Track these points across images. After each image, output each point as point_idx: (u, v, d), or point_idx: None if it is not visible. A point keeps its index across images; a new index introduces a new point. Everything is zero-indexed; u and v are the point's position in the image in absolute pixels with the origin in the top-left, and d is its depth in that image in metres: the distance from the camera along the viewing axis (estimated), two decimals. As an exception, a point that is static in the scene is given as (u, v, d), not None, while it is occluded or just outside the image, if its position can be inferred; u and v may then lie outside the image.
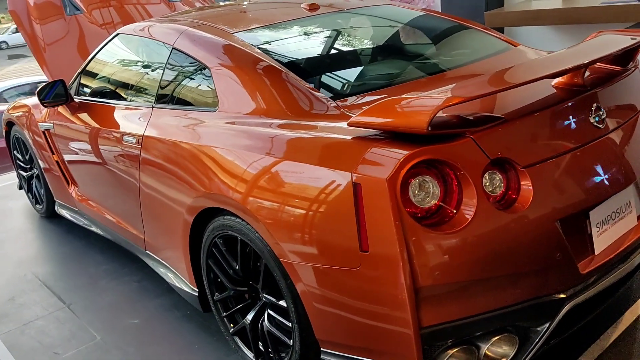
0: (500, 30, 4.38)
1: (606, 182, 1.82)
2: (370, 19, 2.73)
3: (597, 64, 2.14)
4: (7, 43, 27.72)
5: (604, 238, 1.86)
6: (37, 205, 4.18)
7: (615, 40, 2.05)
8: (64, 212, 3.75)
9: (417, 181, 1.59)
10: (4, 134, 4.28)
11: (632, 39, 2.02)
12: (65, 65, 3.86)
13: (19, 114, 3.90)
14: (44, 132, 3.58)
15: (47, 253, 3.64)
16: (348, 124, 1.70)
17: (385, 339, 1.64)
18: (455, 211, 1.60)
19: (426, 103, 1.60)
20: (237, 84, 2.18)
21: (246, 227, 1.95)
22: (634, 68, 2.16)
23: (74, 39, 4.11)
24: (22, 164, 4.20)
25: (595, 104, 1.85)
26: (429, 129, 1.53)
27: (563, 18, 3.62)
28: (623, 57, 2.12)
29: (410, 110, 1.61)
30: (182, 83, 2.50)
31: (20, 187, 4.39)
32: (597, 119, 1.84)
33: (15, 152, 4.24)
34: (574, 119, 1.80)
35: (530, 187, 1.66)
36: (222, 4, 3.51)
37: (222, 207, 2.04)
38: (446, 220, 1.59)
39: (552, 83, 1.91)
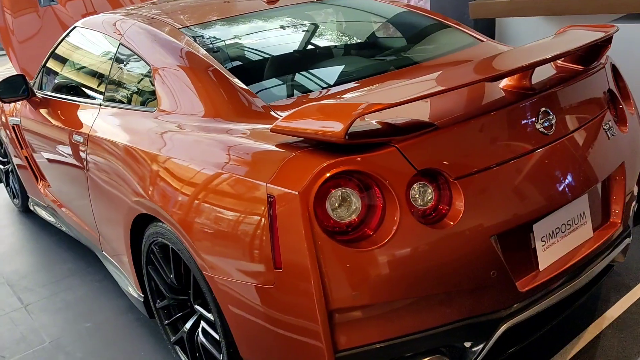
0: (491, 22, 4.19)
1: (553, 193, 1.69)
2: (327, 12, 2.59)
3: (560, 62, 1.99)
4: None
5: (551, 252, 1.73)
6: (14, 200, 4.16)
7: (579, 37, 1.90)
8: (36, 208, 3.71)
9: (338, 194, 1.47)
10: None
11: (597, 34, 1.86)
12: (36, 57, 3.79)
13: (-7, 107, 3.85)
14: (13, 127, 3.52)
15: (18, 249, 3.60)
16: (270, 130, 1.58)
17: (302, 361, 1.54)
18: (377, 226, 1.48)
19: (346, 109, 1.48)
20: (175, 83, 2.07)
21: (175, 235, 1.85)
22: (600, 67, 2.00)
23: (46, 31, 4.03)
24: (0, 158, 4.17)
25: (543, 108, 1.70)
26: (347, 137, 1.41)
27: (548, 9, 3.44)
28: (589, 55, 1.97)
29: (328, 117, 1.49)
30: (125, 80, 2.40)
31: (0, 181, 4.36)
32: (545, 125, 1.70)
33: (-8, 145, 4.21)
34: (517, 125, 1.66)
35: (462, 201, 1.53)
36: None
37: (151, 214, 1.95)
38: (367, 236, 1.48)
39: (500, 85, 1.77)
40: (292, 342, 1.53)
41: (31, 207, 3.81)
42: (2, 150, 4.06)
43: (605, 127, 1.89)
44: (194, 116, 1.95)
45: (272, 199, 1.48)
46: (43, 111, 3.05)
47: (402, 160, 1.49)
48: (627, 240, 1.97)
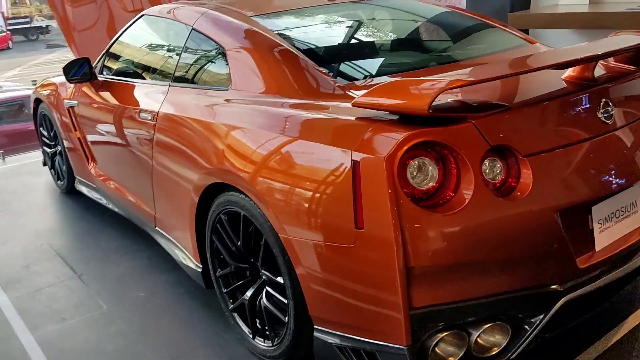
0: (525, 32, 4.34)
1: (610, 179, 1.81)
2: (387, 10, 2.75)
3: (613, 62, 2.13)
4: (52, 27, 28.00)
5: (606, 235, 1.84)
6: (59, 182, 4.30)
7: (631, 39, 2.03)
8: (83, 189, 3.85)
9: (416, 162, 1.60)
10: (32, 111, 4.42)
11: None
12: (93, 46, 3.97)
13: (47, 91, 4.02)
14: (68, 110, 3.68)
15: (64, 227, 3.74)
16: (352, 104, 1.72)
17: (376, 318, 1.65)
18: (452, 194, 1.61)
19: (429, 85, 1.61)
20: (250, 64, 2.22)
21: (249, 202, 1.98)
22: (651, 69, 2.13)
23: (103, 23, 4.22)
24: (47, 141, 4.33)
25: (603, 99, 1.83)
26: (430, 110, 1.54)
27: (587, 22, 3.58)
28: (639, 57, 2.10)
29: (413, 92, 1.63)
30: (198, 62, 2.56)
31: (44, 164, 4.52)
32: (605, 115, 1.82)
33: (41, 128, 4.38)
34: (580, 113, 1.78)
35: (530, 176, 1.65)
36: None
37: (227, 182, 2.08)
38: (442, 202, 1.60)
39: (562, 76, 1.91)
40: (368, 298, 1.64)
41: (77, 188, 3.95)
42: (52, 134, 4.22)
43: (657, 124, 2.01)
44: (270, 93, 2.10)
45: (356, 164, 1.61)
46: (105, 93, 3.21)
47: (478, 135, 1.62)
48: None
